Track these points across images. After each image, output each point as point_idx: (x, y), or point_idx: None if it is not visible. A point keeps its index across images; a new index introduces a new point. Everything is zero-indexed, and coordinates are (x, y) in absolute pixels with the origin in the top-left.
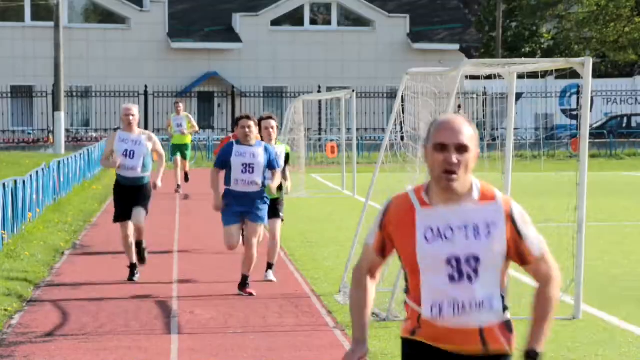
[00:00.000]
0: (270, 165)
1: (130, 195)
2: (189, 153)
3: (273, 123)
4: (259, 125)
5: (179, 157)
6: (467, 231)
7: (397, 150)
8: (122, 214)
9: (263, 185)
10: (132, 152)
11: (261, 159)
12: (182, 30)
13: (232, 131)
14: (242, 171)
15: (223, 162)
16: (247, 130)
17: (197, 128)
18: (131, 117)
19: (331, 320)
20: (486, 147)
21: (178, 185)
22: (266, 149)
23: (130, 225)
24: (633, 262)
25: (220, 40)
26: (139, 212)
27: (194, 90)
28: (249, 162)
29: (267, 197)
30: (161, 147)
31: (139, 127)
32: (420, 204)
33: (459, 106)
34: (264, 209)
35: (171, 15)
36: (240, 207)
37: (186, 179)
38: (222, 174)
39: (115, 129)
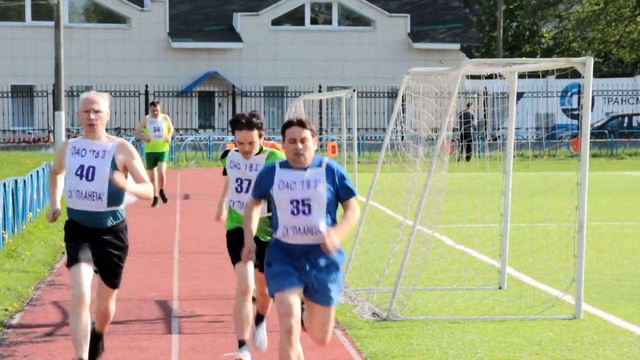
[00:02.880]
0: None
1: (90, 245)
2: (166, 157)
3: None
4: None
5: (155, 170)
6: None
7: (397, 150)
8: (81, 257)
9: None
10: (90, 171)
11: (323, 189)
12: (182, 30)
13: (263, 138)
14: (294, 212)
15: (262, 194)
16: (299, 146)
17: (172, 129)
18: (93, 115)
19: None
20: (487, 146)
21: (155, 199)
22: (329, 169)
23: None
24: (634, 261)
25: (220, 39)
26: (105, 293)
27: (194, 89)
28: (303, 198)
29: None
30: (141, 164)
31: (108, 132)
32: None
33: (469, 105)
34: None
35: (172, 15)
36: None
37: (163, 197)
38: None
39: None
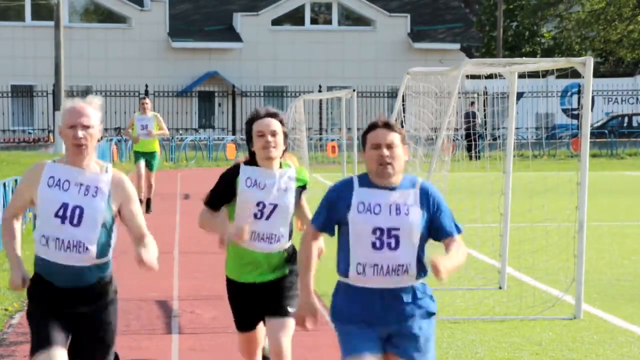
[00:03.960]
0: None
1: (68, 317)
2: (156, 163)
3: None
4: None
5: (142, 163)
6: None
7: None
8: (53, 339)
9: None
10: (77, 213)
11: (417, 217)
12: (182, 30)
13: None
14: (375, 245)
15: (333, 220)
16: (384, 152)
17: (166, 132)
18: (81, 133)
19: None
20: (487, 146)
21: (140, 201)
22: (425, 193)
23: None
24: (634, 261)
25: (220, 39)
26: None
27: (194, 89)
28: (390, 227)
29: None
30: (139, 208)
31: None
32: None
33: (472, 103)
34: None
35: (172, 15)
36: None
37: (147, 207)
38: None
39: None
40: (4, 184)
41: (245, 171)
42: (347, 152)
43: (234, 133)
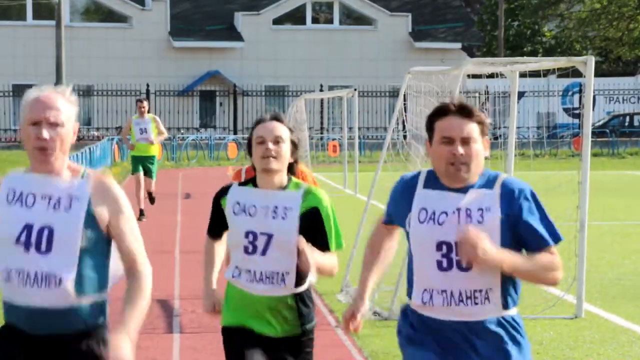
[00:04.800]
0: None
1: None
2: (155, 168)
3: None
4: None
5: (140, 174)
6: None
7: (399, 149)
8: None
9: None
10: (45, 235)
11: (494, 226)
12: (183, 29)
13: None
14: (442, 264)
15: (400, 216)
16: (458, 150)
17: (166, 134)
18: (47, 132)
19: (333, 319)
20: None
21: (141, 211)
22: (508, 192)
23: None
24: (635, 261)
25: (222, 39)
26: None
27: (195, 89)
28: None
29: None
30: (134, 223)
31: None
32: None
33: (483, 103)
34: None
35: (173, 14)
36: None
37: (151, 200)
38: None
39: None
40: None
41: (234, 193)
42: (349, 151)
43: (235, 132)
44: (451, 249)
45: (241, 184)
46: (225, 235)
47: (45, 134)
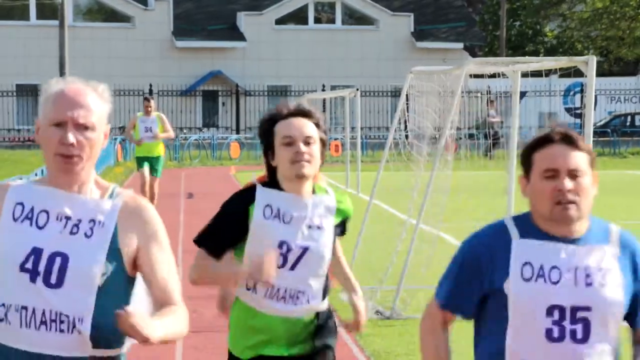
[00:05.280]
0: None
1: None
2: (160, 168)
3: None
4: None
5: (146, 169)
6: None
7: (401, 148)
8: None
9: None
10: (57, 264)
11: (618, 290)
12: (186, 29)
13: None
14: (552, 333)
15: (469, 301)
16: (566, 185)
17: (172, 134)
18: (73, 136)
19: (335, 318)
20: (491, 145)
21: None
22: (627, 246)
23: None
24: None
25: (224, 39)
26: None
27: (198, 88)
28: (576, 305)
29: None
30: (169, 255)
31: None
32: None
33: (491, 102)
34: None
35: (175, 14)
36: None
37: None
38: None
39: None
40: None
41: (263, 195)
42: (351, 150)
43: (237, 132)
44: (564, 315)
45: (264, 183)
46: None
47: (72, 138)
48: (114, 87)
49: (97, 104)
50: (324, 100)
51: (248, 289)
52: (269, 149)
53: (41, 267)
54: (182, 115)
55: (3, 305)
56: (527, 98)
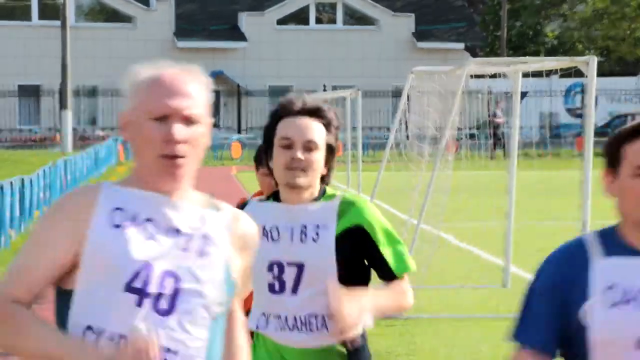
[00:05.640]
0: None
1: None
2: None
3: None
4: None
5: None
6: None
7: (402, 148)
8: None
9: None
10: (169, 286)
11: None
12: (187, 29)
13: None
14: None
15: (552, 338)
16: None
17: None
18: (180, 134)
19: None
20: (492, 145)
21: None
22: None
23: None
24: None
25: (225, 39)
26: None
27: None
28: None
29: None
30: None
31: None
32: None
33: (498, 102)
34: None
35: (177, 15)
36: None
37: None
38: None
39: None
40: (11, 183)
41: (252, 213)
42: (352, 150)
43: (239, 132)
44: None
45: (262, 199)
46: None
47: (179, 134)
48: (115, 87)
49: (200, 92)
50: (325, 100)
51: (259, 328)
52: (269, 148)
53: (149, 287)
54: None
55: (93, 329)
56: (528, 98)
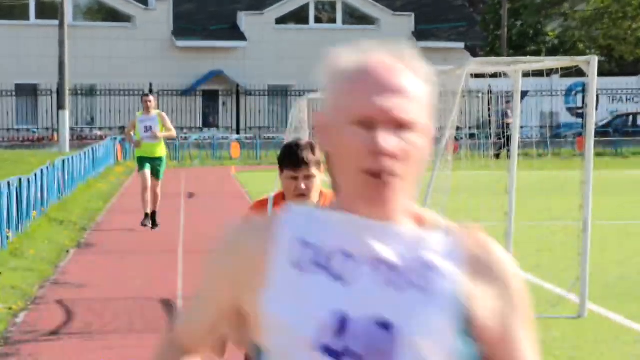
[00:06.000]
0: None
1: None
2: (162, 169)
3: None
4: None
5: (147, 171)
6: None
7: None
8: None
9: None
10: (378, 338)
11: None
12: (187, 29)
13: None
14: None
15: None
16: None
17: (173, 132)
18: (393, 145)
19: None
20: (492, 145)
21: (146, 215)
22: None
23: None
24: (638, 260)
25: (225, 38)
26: None
27: (198, 88)
28: None
29: None
30: (533, 340)
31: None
32: None
33: (507, 102)
34: None
35: (176, 14)
36: None
37: (153, 222)
38: None
39: None
40: (9, 183)
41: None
42: None
43: (238, 132)
44: None
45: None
46: None
47: (389, 143)
48: (114, 86)
49: (417, 88)
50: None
51: None
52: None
53: (349, 342)
54: (183, 115)
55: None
56: (529, 98)
